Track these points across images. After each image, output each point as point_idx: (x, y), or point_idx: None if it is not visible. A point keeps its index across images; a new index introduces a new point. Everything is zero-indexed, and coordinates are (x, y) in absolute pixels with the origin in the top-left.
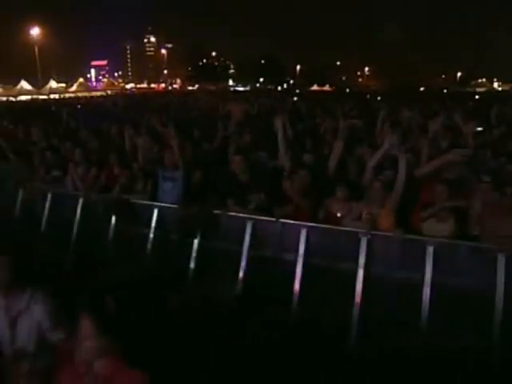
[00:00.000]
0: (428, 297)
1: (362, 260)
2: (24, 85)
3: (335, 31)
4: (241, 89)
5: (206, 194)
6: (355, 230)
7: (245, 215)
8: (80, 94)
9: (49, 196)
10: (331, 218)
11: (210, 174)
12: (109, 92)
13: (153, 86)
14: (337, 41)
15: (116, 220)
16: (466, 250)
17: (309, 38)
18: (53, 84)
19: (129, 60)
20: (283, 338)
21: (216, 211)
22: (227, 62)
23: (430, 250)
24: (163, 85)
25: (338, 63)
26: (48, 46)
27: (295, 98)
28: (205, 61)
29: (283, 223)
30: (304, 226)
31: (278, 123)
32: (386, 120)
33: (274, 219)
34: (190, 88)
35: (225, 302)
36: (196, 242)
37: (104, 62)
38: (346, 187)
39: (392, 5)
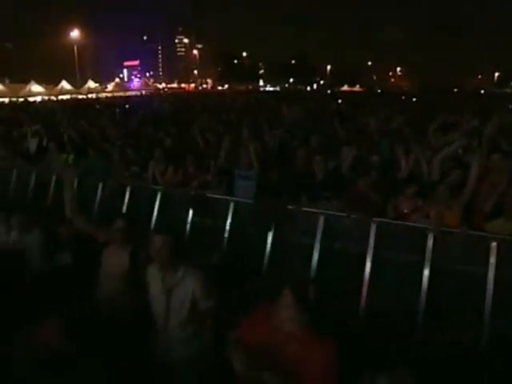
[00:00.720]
0: (491, 290)
1: (428, 254)
2: (64, 85)
3: (365, 30)
4: (271, 89)
5: (280, 190)
6: (423, 226)
7: (317, 210)
8: (116, 94)
9: (128, 189)
10: (399, 214)
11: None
12: (143, 92)
13: (183, 85)
14: (368, 40)
15: (193, 213)
16: None
17: (339, 38)
18: (91, 84)
19: (160, 60)
20: (357, 327)
21: (290, 206)
22: (259, 64)
23: (494, 245)
24: (193, 85)
25: (369, 63)
26: (86, 47)
27: (339, 101)
28: (235, 61)
29: (354, 218)
30: (374, 221)
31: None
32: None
33: (345, 214)
34: (220, 88)
35: None
36: (270, 234)
37: (136, 62)
38: (413, 186)
39: (425, 4)
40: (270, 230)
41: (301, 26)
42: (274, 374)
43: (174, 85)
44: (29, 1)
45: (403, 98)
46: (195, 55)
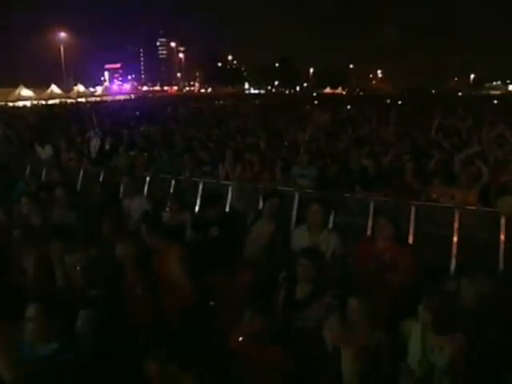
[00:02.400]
0: (503, 252)
1: (456, 225)
2: (54, 89)
3: (348, 33)
4: (256, 91)
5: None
6: (450, 205)
7: (369, 197)
8: (105, 98)
9: (200, 185)
10: (431, 200)
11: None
12: (132, 96)
13: (166, 88)
14: (350, 43)
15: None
16: None
17: (322, 40)
18: (80, 88)
19: (142, 63)
20: None
21: (346, 194)
22: (242, 67)
23: (502, 220)
24: (176, 87)
25: (351, 66)
26: (70, 49)
27: (348, 107)
28: (220, 64)
29: (396, 201)
30: (413, 204)
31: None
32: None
33: (388, 199)
34: (203, 91)
35: None
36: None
37: (118, 65)
38: (441, 176)
39: (404, 6)
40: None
41: (284, 29)
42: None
43: (157, 87)
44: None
45: (388, 101)
46: (180, 58)
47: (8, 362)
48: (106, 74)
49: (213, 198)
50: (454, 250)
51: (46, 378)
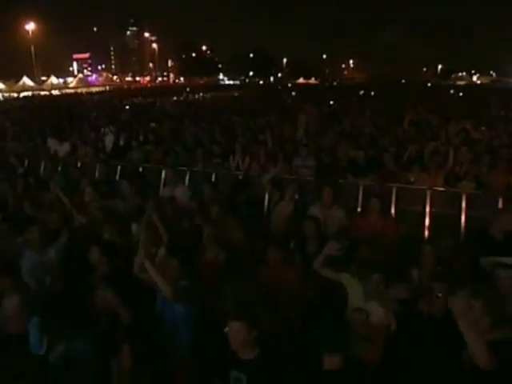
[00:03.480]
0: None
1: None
2: (26, 81)
3: (321, 23)
4: (230, 82)
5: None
6: (422, 187)
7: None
8: (79, 90)
9: (213, 175)
10: (409, 183)
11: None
12: (107, 88)
13: (138, 79)
14: (323, 33)
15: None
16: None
17: (296, 30)
18: (53, 80)
19: (112, 53)
20: None
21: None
22: (216, 57)
23: (463, 197)
24: (148, 78)
25: (325, 56)
26: (38, 40)
27: (331, 102)
28: (194, 54)
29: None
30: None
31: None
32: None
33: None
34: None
35: None
36: None
37: (86, 55)
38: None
39: None
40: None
41: (257, 19)
42: None
43: (129, 78)
44: None
45: (362, 92)
46: (153, 48)
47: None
48: (75, 64)
49: (242, 185)
50: (427, 223)
51: None
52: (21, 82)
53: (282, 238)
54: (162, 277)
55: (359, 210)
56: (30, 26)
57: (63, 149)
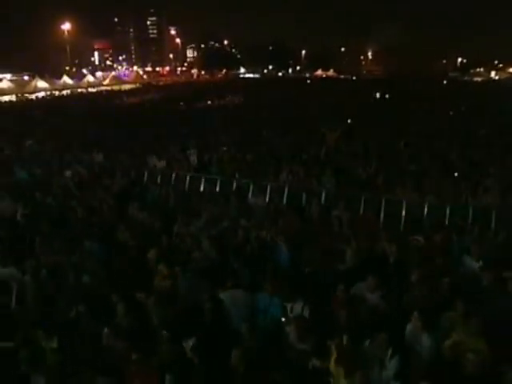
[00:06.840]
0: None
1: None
2: (66, 80)
3: (340, 15)
4: (250, 75)
5: None
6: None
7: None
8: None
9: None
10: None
11: None
12: (137, 84)
13: (157, 69)
14: (342, 25)
15: None
16: None
17: (315, 23)
18: (90, 78)
19: (132, 43)
20: None
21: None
22: (237, 50)
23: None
24: (168, 68)
25: (343, 49)
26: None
27: (349, 121)
28: (217, 45)
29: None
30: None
31: None
32: None
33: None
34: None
35: None
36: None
37: (107, 44)
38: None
39: None
40: None
41: (276, 11)
42: None
43: (149, 68)
44: None
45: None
46: (174, 38)
47: None
48: (96, 54)
49: None
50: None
51: None
52: (61, 81)
53: None
54: None
55: None
56: (66, 26)
57: (160, 164)
